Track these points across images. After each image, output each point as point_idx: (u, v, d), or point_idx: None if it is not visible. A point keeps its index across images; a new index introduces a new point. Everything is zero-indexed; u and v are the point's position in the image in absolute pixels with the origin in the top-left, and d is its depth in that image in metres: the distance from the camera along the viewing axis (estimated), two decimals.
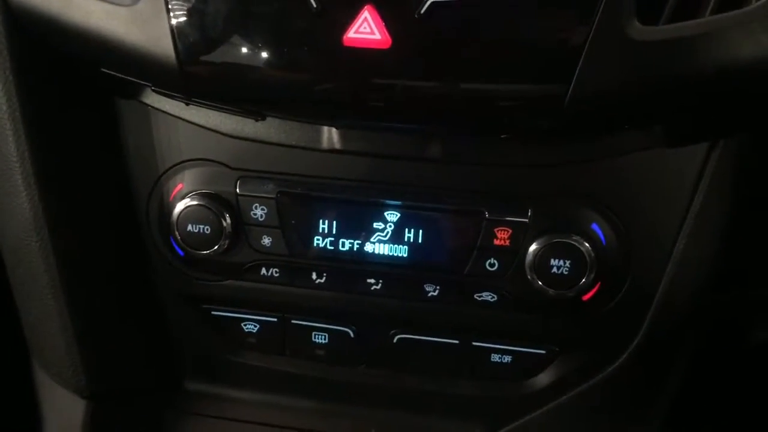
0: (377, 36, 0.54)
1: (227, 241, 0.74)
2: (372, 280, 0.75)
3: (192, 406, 0.84)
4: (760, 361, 1.13)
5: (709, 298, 0.75)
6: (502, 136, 0.67)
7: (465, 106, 0.57)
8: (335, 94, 0.58)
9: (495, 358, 0.77)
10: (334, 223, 0.73)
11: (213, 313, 0.81)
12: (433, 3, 0.53)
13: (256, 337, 0.81)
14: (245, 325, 0.81)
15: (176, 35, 0.57)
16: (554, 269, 0.69)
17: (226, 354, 0.83)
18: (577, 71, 0.54)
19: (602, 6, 0.52)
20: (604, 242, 0.69)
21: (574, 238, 0.69)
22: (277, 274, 0.76)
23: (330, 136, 0.71)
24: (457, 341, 0.77)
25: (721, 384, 1.25)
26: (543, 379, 0.78)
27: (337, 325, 0.79)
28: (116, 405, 0.80)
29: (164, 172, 0.75)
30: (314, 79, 0.57)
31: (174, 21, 0.57)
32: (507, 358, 0.77)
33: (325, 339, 0.79)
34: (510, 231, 0.70)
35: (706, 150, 0.68)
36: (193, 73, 0.58)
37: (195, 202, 0.73)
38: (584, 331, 0.74)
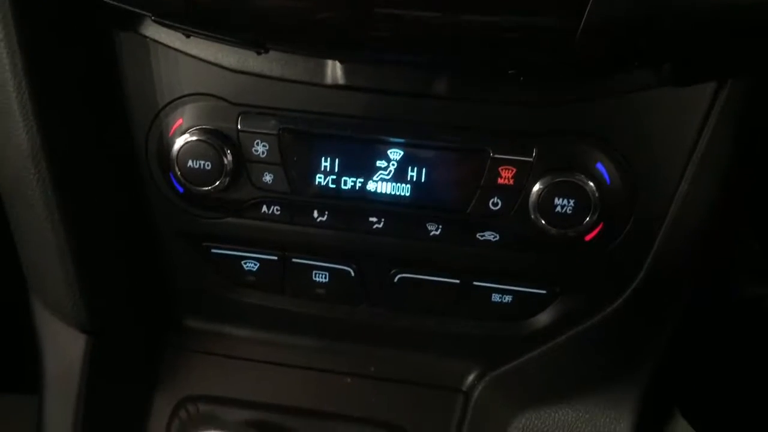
0: None
1: (228, 178, 0.73)
2: (374, 219, 0.75)
3: (191, 343, 0.84)
4: (748, 314, 1.15)
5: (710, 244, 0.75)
6: (510, 72, 0.66)
7: (474, 37, 0.56)
8: (340, 21, 0.56)
9: (496, 298, 0.77)
10: (337, 160, 0.73)
11: (213, 251, 0.81)
12: None
13: (256, 275, 0.81)
14: (245, 263, 0.80)
15: None
16: (558, 208, 0.69)
17: (226, 292, 0.83)
18: (590, 2, 0.52)
19: None
20: (608, 182, 0.69)
21: (578, 177, 0.68)
22: (278, 212, 0.76)
23: (333, 71, 0.69)
24: (458, 281, 0.77)
25: (711, 336, 1.27)
26: (543, 319, 0.78)
27: (337, 264, 0.79)
28: (116, 340, 0.80)
29: (163, 107, 0.74)
30: (319, 3, 0.55)
31: None
32: (507, 298, 0.77)
33: (325, 278, 0.79)
34: (514, 170, 0.70)
35: (713, 91, 0.67)
36: None
37: (195, 138, 0.72)
38: (585, 272, 0.74)
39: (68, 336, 0.77)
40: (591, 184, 0.68)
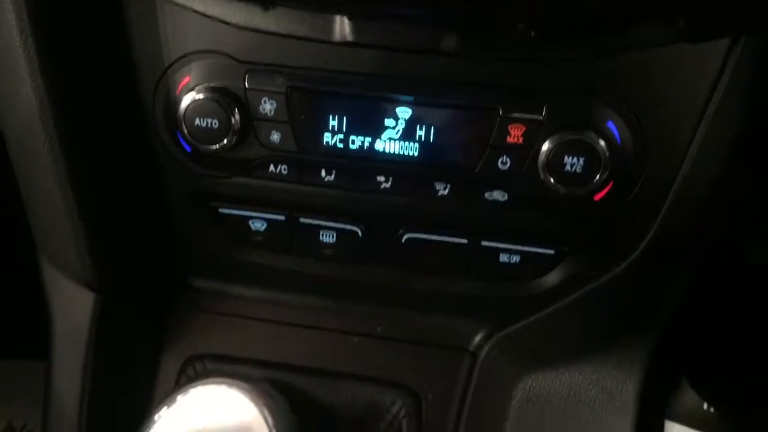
0: None
1: (235, 137, 0.73)
2: (382, 178, 0.74)
3: (198, 302, 0.84)
4: (758, 283, 1.15)
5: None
6: (520, 28, 0.65)
7: None
8: None
9: (503, 258, 0.77)
10: (345, 119, 0.72)
11: (220, 210, 0.80)
12: None
13: (264, 235, 0.81)
14: (252, 223, 0.80)
15: None
16: (567, 167, 0.68)
17: (233, 252, 0.83)
18: None
19: None
20: (619, 141, 0.68)
21: (588, 135, 0.68)
22: (285, 171, 0.75)
23: (341, 27, 0.69)
24: (465, 241, 0.77)
25: (720, 304, 1.26)
26: (550, 279, 0.78)
27: (345, 224, 0.78)
28: (123, 298, 0.80)
29: (170, 65, 0.73)
30: None
31: None
32: (515, 258, 0.77)
33: (333, 238, 0.79)
34: (524, 128, 0.69)
35: (727, 48, 0.66)
36: None
37: (202, 96, 0.71)
38: (594, 232, 0.74)
39: (76, 294, 0.77)
40: (601, 142, 0.67)
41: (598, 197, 0.70)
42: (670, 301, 0.82)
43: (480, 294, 0.80)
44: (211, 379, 0.48)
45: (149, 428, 0.47)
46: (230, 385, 0.48)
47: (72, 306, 0.78)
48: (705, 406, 1.56)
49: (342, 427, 0.77)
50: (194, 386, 0.48)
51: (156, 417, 0.47)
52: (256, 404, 0.47)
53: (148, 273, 0.84)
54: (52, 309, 0.79)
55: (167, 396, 0.48)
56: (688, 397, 1.56)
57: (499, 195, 0.73)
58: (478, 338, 0.81)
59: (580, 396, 0.82)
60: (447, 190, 0.74)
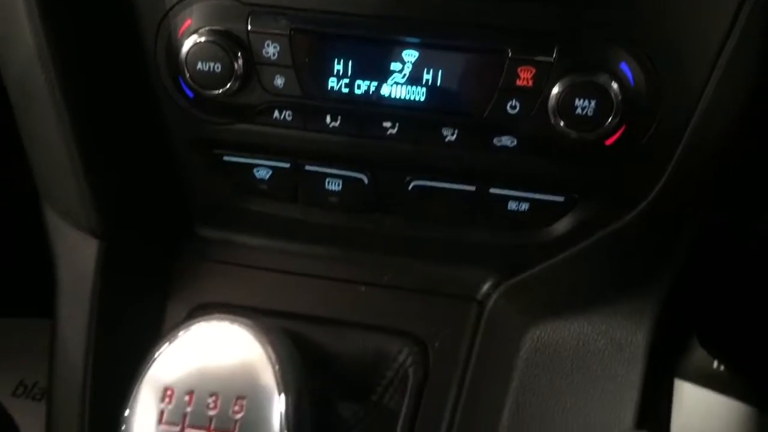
0: None
1: (238, 82, 0.71)
2: (388, 124, 0.73)
3: (204, 251, 0.84)
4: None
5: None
6: None
7: None
8: None
9: (512, 205, 0.76)
10: (350, 63, 0.71)
11: (224, 158, 0.79)
12: None
13: (268, 183, 0.79)
14: (257, 171, 0.79)
15: None
16: (578, 110, 0.67)
17: (238, 201, 0.82)
18: None
19: None
20: (632, 83, 0.66)
21: (601, 77, 0.66)
22: (290, 117, 0.74)
23: None
24: (473, 188, 0.75)
25: (731, 265, 1.25)
26: (560, 227, 0.76)
27: (351, 172, 0.77)
28: (128, 247, 0.79)
29: (171, 8, 0.72)
30: None
31: None
32: (524, 206, 0.75)
33: (338, 186, 0.78)
34: (534, 71, 0.67)
35: None
36: None
37: (204, 39, 0.70)
38: (605, 178, 0.72)
39: (80, 242, 0.76)
40: (614, 85, 0.66)
41: (609, 142, 0.69)
42: (680, 251, 0.81)
43: (488, 242, 0.79)
44: (214, 316, 0.48)
45: (150, 364, 0.46)
46: (233, 321, 0.47)
47: (76, 254, 0.77)
48: (715, 364, 1.56)
49: (349, 375, 0.77)
50: (196, 322, 0.47)
51: (157, 353, 0.46)
52: (260, 341, 0.46)
53: (152, 221, 0.83)
54: (56, 257, 0.79)
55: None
56: (699, 355, 1.56)
57: (507, 140, 0.71)
58: (486, 287, 0.80)
59: (589, 346, 0.81)
60: (454, 136, 0.72)
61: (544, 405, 0.79)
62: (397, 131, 0.73)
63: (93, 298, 0.76)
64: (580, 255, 0.77)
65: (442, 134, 0.72)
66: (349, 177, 0.77)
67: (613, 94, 0.66)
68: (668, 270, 0.82)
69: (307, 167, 0.78)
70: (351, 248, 0.82)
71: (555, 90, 0.67)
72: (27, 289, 1.98)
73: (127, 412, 0.46)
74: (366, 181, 0.77)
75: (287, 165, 0.78)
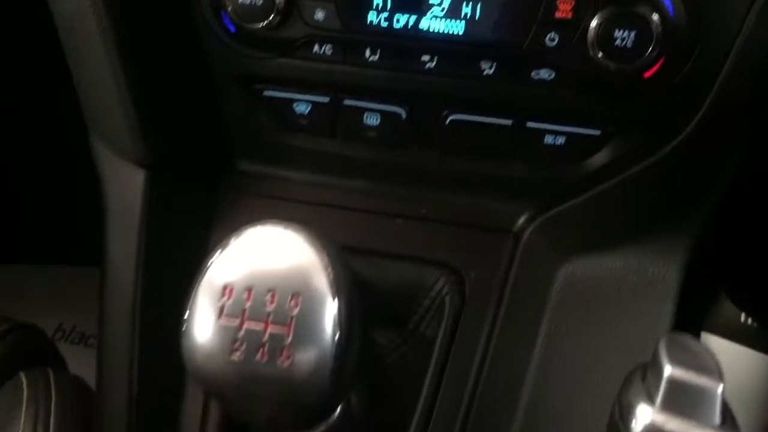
0: None
1: (279, 16, 0.73)
2: (426, 57, 0.74)
3: (244, 185, 0.86)
4: None
5: None
6: None
7: None
8: None
9: (548, 139, 0.76)
10: None
11: (265, 93, 0.81)
12: None
13: (308, 118, 0.81)
14: (297, 105, 0.81)
15: None
16: (617, 41, 0.67)
17: (278, 136, 0.84)
18: None
19: None
20: (672, 14, 0.66)
21: (641, 8, 0.66)
22: (329, 51, 0.75)
23: None
24: (510, 122, 0.76)
25: (758, 216, 1.25)
26: (596, 161, 0.77)
27: (389, 106, 0.78)
28: (174, 177, 0.82)
29: None
30: None
31: None
32: (561, 140, 0.76)
33: (376, 120, 0.79)
34: (573, 2, 0.68)
35: None
36: None
37: None
38: (642, 111, 0.73)
39: (128, 171, 0.79)
40: (654, 15, 0.66)
41: (648, 74, 0.69)
42: (715, 189, 0.81)
43: (524, 176, 0.80)
44: (266, 221, 0.50)
45: (207, 267, 0.48)
46: (286, 226, 0.49)
47: (124, 183, 0.80)
48: (743, 318, 1.56)
49: (386, 304, 0.79)
50: (248, 227, 0.49)
51: (213, 257, 0.48)
52: (314, 246, 0.48)
53: (195, 153, 0.85)
54: (105, 188, 0.82)
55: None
56: (726, 309, 1.56)
57: (545, 73, 0.72)
58: (521, 221, 0.82)
59: (621, 282, 0.82)
60: (492, 69, 0.73)
61: (576, 336, 0.80)
62: (435, 65, 0.74)
63: (141, 224, 0.78)
64: (615, 189, 0.78)
65: (480, 67, 0.73)
66: (387, 111, 0.79)
67: (653, 26, 0.66)
68: (702, 208, 0.82)
69: (346, 102, 0.79)
70: (388, 182, 0.84)
71: (594, 22, 0.67)
72: (63, 238, 2.03)
73: (187, 314, 0.48)
74: (404, 115, 0.78)
75: (326, 99, 0.79)
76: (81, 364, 1.03)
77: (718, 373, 0.42)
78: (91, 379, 0.89)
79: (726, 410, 0.42)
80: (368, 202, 0.83)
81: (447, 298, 0.79)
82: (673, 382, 0.42)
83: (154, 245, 0.79)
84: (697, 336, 1.54)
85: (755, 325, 1.54)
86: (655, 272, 0.82)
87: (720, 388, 0.42)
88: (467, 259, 0.80)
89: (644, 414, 0.42)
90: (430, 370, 0.77)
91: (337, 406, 0.58)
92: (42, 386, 0.90)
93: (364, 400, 0.73)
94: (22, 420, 0.84)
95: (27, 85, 1.77)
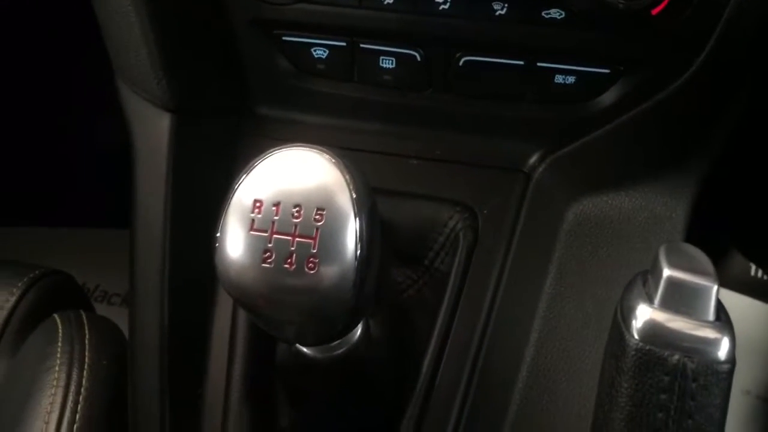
0: None
1: None
2: (439, 0, 0.76)
3: (264, 129, 0.89)
4: None
5: None
6: None
7: None
8: None
9: (559, 79, 0.79)
10: None
11: (284, 38, 0.84)
12: None
13: (326, 63, 0.84)
14: (315, 50, 0.83)
15: None
16: None
17: (296, 80, 0.86)
18: None
19: None
20: None
21: None
22: None
23: None
24: (521, 62, 0.78)
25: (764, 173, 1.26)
26: (605, 99, 0.79)
27: (404, 49, 0.81)
28: (197, 121, 0.85)
29: None
30: None
31: None
32: (571, 79, 0.78)
33: (392, 63, 0.82)
34: None
35: None
36: None
37: None
38: (650, 49, 0.75)
39: (154, 115, 0.82)
40: None
41: (655, 11, 0.71)
42: (721, 128, 0.83)
43: (535, 116, 0.82)
44: (290, 145, 0.53)
45: (237, 187, 0.52)
46: (310, 148, 0.52)
47: (151, 126, 0.83)
48: (753, 271, 1.58)
49: (404, 238, 0.82)
50: (272, 152, 0.53)
51: (237, 183, 0.52)
52: (337, 166, 0.51)
53: (217, 97, 0.88)
54: (132, 131, 0.85)
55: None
56: (737, 262, 1.58)
57: (556, 13, 0.74)
58: (532, 160, 0.84)
59: (629, 220, 0.85)
60: (504, 10, 0.75)
61: (586, 272, 0.83)
62: (449, 6, 0.76)
63: (168, 164, 0.82)
64: (623, 128, 0.80)
65: (492, 8, 0.75)
66: (403, 54, 0.81)
67: None
68: (708, 147, 0.84)
69: (363, 45, 0.82)
70: (404, 124, 0.87)
71: None
72: (83, 201, 2.08)
73: (219, 231, 0.52)
74: (418, 57, 0.81)
75: (343, 44, 0.82)
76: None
77: (713, 275, 0.46)
78: None
79: (720, 307, 0.45)
80: (384, 143, 0.86)
81: (461, 234, 0.82)
82: (671, 283, 0.45)
83: (181, 184, 0.83)
84: None
85: (765, 277, 1.55)
86: (663, 210, 0.85)
87: (715, 288, 0.45)
88: (480, 197, 0.83)
89: (643, 312, 0.46)
90: (445, 302, 0.80)
91: (358, 323, 0.62)
92: (76, 325, 0.94)
93: (384, 330, 0.77)
94: (59, 355, 0.89)
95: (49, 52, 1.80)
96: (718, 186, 1.00)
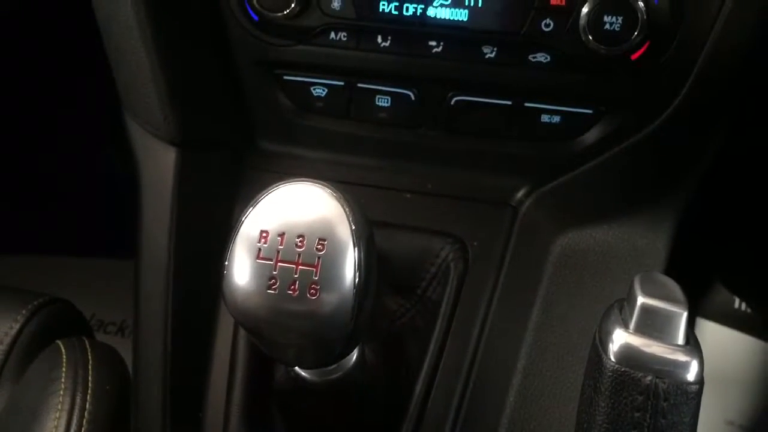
0: None
1: (299, 5, 0.80)
2: (433, 43, 0.81)
3: (266, 164, 0.93)
4: None
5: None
6: None
7: None
8: None
9: (545, 118, 0.83)
10: None
11: (284, 78, 0.88)
12: None
13: (324, 100, 0.88)
14: (314, 89, 0.88)
15: None
16: (606, 26, 0.74)
17: (297, 117, 0.91)
18: None
19: None
20: (656, 1, 0.73)
21: None
22: (344, 38, 0.82)
23: None
24: (510, 102, 0.83)
25: (750, 201, 1.30)
26: (588, 137, 0.84)
27: (399, 88, 0.85)
28: (202, 155, 0.89)
29: None
30: None
31: None
32: (556, 118, 0.83)
33: (387, 102, 0.86)
34: None
35: None
36: None
37: None
38: (630, 91, 0.80)
39: (160, 149, 0.86)
40: (639, 2, 0.73)
41: (635, 56, 0.76)
42: (698, 165, 0.88)
43: (522, 153, 0.87)
44: (293, 179, 0.56)
45: (243, 219, 0.55)
46: (312, 183, 0.56)
47: (157, 160, 0.87)
48: (737, 303, 1.61)
49: (398, 268, 0.86)
50: (277, 186, 0.56)
51: (243, 217, 0.55)
52: (337, 199, 0.55)
53: (222, 133, 0.93)
54: (138, 164, 0.89)
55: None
56: (721, 295, 1.61)
57: (542, 57, 0.79)
58: (520, 194, 0.88)
59: (612, 252, 0.88)
60: (494, 53, 0.80)
61: (571, 301, 0.87)
62: (441, 49, 0.81)
63: (173, 197, 0.86)
64: (606, 165, 0.85)
65: (482, 51, 0.80)
66: (397, 93, 0.86)
67: (638, 11, 0.73)
68: (686, 183, 0.89)
69: (360, 84, 0.86)
70: (398, 159, 0.91)
71: (585, 8, 0.74)
72: (75, 230, 2.10)
73: (227, 260, 0.56)
74: (413, 96, 0.86)
75: (341, 83, 0.87)
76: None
77: (683, 302, 0.49)
78: None
79: (690, 332, 0.49)
80: (379, 178, 0.90)
81: (452, 265, 0.85)
82: (644, 309, 0.49)
83: (186, 217, 0.87)
84: (692, 322, 1.59)
85: (749, 310, 1.58)
86: (643, 243, 0.89)
87: (684, 314, 0.49)
88: (470, 229, 0.87)
89: (620, 337, 0.49)
90: (436, 330, 0.84)
91: (354, 347, 0.65)
92: (79, 351, 0.96)
93: (378, 355, 0.80)
94: (63, 379, 0.91)
95: (52, 82, 1.84)
96: (701, 219, 1.05)
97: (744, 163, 1.20)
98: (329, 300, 0.54)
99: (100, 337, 2.06)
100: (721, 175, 0.95)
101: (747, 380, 1.55)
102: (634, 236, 0.89)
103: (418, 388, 0.82)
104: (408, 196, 0.90)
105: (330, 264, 0.53)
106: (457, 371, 0.82)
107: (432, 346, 0.83)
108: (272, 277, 0.53)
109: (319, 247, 0.53)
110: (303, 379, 0.68)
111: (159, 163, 0.87)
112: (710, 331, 1.56)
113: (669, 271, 0.90)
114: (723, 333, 1.57)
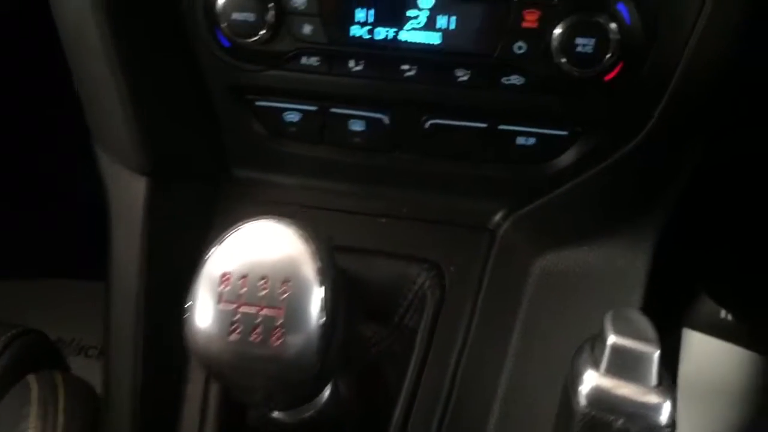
0: None
1: (270, 31, 0.79)
2: (406, 67, 0.80)
3: (240, 190, 0.91)
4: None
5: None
6: None
7: None
8: None
9: (520, 141, 0.82)
10: (371, 11, 0.77)
11: (257, 103, 0.87)
12: None
13: (297, 126, 0.87)
14: (287, 114, 0.86)
15: None
16: (579, 48, 0.73)
17: (270, 143, 0.89)
18: None
19: None
20: (628, 22, 0.73)
21: (599, 17, 0.72)
22: (316, 63, 0.81)
23: None
24: (484, 125, 0.82)
25: (735, 211, 1.30)
26: (564, 159, 0.83)
27: (372, 113, 0.84)
28: (174, 184, 0.88)
29: None
30: None
31: None
32: (531, 141, 0.82)
33: (361, 126, 0.85)
34: (538, 13, 0.74)
35: None
36: None
37: None
38: (605, 112, 0.79)
39: (130, 179, 0.85)
40: (612, 24, 0.72)
41: (608, 78, 0.75)
42: (676, 182, 0.87)
43: (498, 175, 0.85)
44: (259, 217, 0.55)
45: (206, 259, 0.54)
46: (278, 221, 0.55)
47: (126, 189, 0.86)
48: (723, 314, 1.60)
49: (374, 295, 0.85)
50: (243, 223, 0.55)
51: (211, 251, 0.54)
52: (302, 238, 0.54)
53: (193, 160, 0.91)
54: (108, 194, 0.87)
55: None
56: (707, 305, 1.61)
57: (516, 79, 0.78)
58: (497, 218, 0.87)
59: (592, 273, 0.88)
60: (467, 76, 0.79)
61: (551, 326, 0.86)
62: (414, 73, 0.80)
63: (143, 228, 0.84)
64: (583, 186, 0.84)
65: (455, 75, 0.79)
66: (371, 117, 0.84)
67: (610, 34, 0.72)
68: (664, 203, 0.88)
69: (333, 109, 0.85)
70: (372, 184, 0.90)
71: (558, 31, 0.73)
72: (51, 252, 2.07)
73: (189, 302, 0.54)
74: (386, 121, 0.84)
75: (314, 108, 0.85)
76: (81, 372, 1.08)
77: (655, 341, 0.48)
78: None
79: (662, 373, 0.48)
80: (353, 203, 0.89)
81: (428, 292, 0.84)
82: (615, 349, 0.48)
83: (156, 247, 0.85)
84: (678, 333, 1.59)
85: (735, 320, 1.58)
86: (624, 263, 0.88)
87: (656, 354, 0.48)
88: (447, 254, 0.85)
89: (590, 378, 0.48)
90: (413, 359, 0.83)
91: (325, 386, 0.64)
92: (50, 387, 0.95)
93: (352, 388, 0.78)
94: (32, 417, 0.89)
95: (29, 102, 1.82)
96: (683, 230, 1.04)
97: (725, 174, 1.20)
98: (294, 342, 0.53)
99: (80, 361, 2.05)
100: (701, 188, 0.94)
101: (733, 391, 1.54)
102: (613, 256, 0.88)
103: (396, 415, 0.81)
104: (383, 220, 0.89)
105: (295, 305, 0.52)
106: (435, 398, 0.81)
107: (408, 376, 0.82)
108: (234, 323, 0.52)
109: (283, 289, 0.52)
110: (275, 420, 0.66)
111: (128, 193, 0.85)
112: (696, 342, 1.56)
113: (650, 289, 0.89)
114: (709, 343, 1.56)
